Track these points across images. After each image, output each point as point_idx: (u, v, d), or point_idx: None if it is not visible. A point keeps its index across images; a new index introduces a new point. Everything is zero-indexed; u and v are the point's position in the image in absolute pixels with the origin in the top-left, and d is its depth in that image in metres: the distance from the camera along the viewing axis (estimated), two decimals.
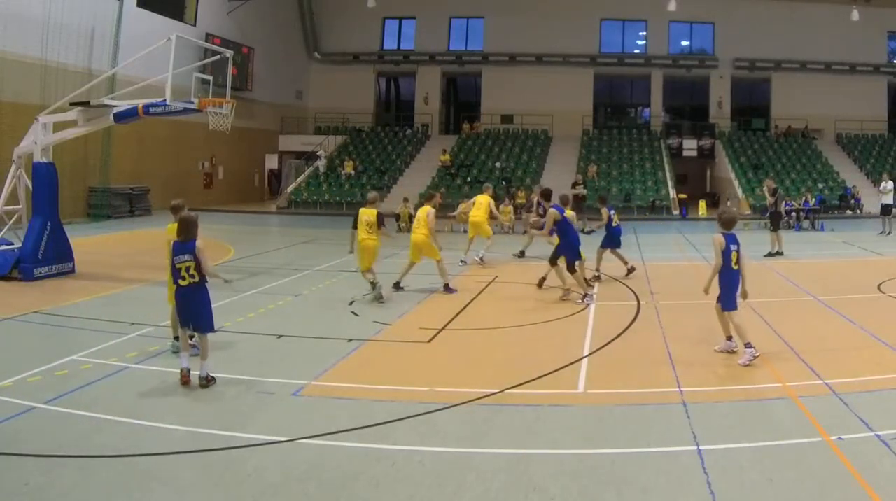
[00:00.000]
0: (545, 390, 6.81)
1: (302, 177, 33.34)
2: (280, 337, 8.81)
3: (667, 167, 33.18)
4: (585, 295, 11.03)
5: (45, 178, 13.11)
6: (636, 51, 39.00)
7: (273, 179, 38.28)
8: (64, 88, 18.80)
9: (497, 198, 19.53)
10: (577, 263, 11.24)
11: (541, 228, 12.82)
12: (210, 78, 15.39)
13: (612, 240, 13.22)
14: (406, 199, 24.33)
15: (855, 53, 35.64)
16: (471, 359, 8.03)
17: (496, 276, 13.30)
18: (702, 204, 29.73)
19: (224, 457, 5.29)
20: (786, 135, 36.15)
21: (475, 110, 39.98)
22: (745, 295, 7.79)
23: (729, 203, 30.29)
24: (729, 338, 7.86)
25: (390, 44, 40.19)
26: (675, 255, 17.52)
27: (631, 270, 13.17)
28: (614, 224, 13.24)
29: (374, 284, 10.98)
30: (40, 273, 12.56)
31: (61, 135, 13.51)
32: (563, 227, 11.36)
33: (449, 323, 9.60)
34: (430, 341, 8.70)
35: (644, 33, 38.67)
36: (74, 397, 6.46)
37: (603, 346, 8.35)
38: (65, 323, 9.46)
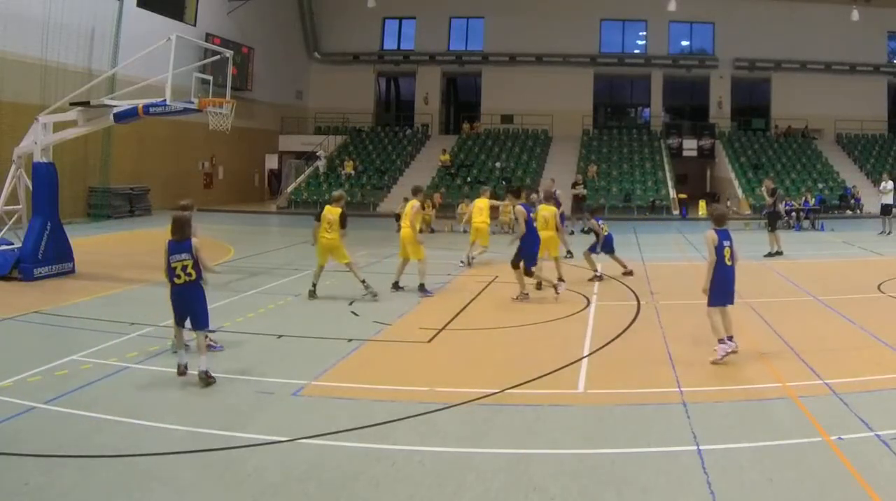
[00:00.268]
0: (545, 390, 6.81)
1: (302, 177, 33.34)
2: (280, 337, 8.81)
3: (667, 167, 33.18)
4: (522, 294, 11.09)
5: (45, 178, 13.11)
6: (636, 51, 38.99)
7: (273, 179, 38.27)
8: (64, 88, 18.80)
9: (497, 199, 19.56)
10: (534, 267, 11.21)
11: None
12: (210, 78, 15.40)
13: (606, 246, 13.27)
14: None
15: (855, 53, 35.62)
16: (471, 359, 8.03)
17: (496, 276, 13.29)
18: (702, 204, 29.72)
19: (224, 457, 5.29)
20: (786, 135, 36.15)
21: (475, 110, 39.98)
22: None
23: (729, 203, 30.38)
24: (729, 338, 7.85)
25: (390, 44, 40.18)
26: (675, 255, 17.53)
27: (598, 277, 12.98)
28: (605, 232, 13.35)
29: (315, 286, 11.17)
30: (40, 273, 12.56)
31: (61, 135, 13.51)
32: (529, 227, 11.29)
33: (449, 323, 9.60)
34: (430, 341, 8.70)
35: (644, 33, 38.66)
36: (74, 397, 6.46)
37: (603, 346, 8.35)
38: (65, 323, 9.46)
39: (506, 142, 36.23)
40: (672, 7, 33.09)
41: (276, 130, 37.27)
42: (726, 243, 7.74)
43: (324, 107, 38.92)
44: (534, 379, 7.04)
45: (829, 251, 17.99)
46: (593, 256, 13.27)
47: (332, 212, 11.12)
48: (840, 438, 5.43)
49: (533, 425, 5.96)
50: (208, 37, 28.67)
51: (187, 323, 7.16)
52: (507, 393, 6.66)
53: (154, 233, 7.67)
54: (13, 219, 13.55)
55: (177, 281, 7.05)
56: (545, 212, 12.38)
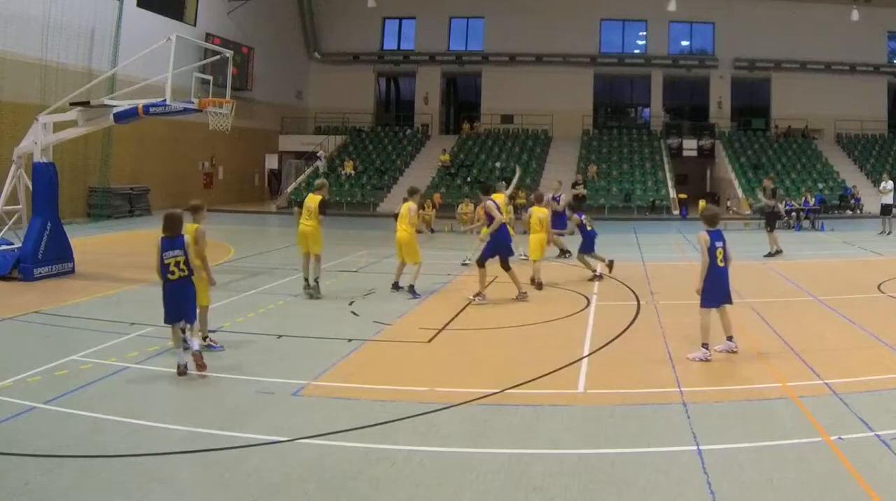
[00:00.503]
0: (545, 390, 6.80)
1: (302, 177, 33.34)
2: (280, 337, 8.81)
3: (667, 167, 33.19)
4: (479, 295, 11.00)
5: (45, 178, 13.10)
6: (636, 51, 39.00)
7: (273, 179, 38.27)
8: (64, 88, 18.82)
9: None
10: (508, 263, 11.20)
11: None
12: (210, 78, 15.41)
13: (586, 244, 13.22)
14: (406, 199, 24.34)
15: (855, 53, 35.62)
16: (471, 359, 8.03)
17: (496, 276, 13.27)
18: (701, 204, 29.68)
19: (224, 457, 5.29)
20: (786, 135, 36.15)
21: (475, 110, 39.98)
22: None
23: (729, 203, 30.41)
24: (729, 338, 7.86)
25: (390, 44, 40.18)
26: (675, 255, 17.53)
27: (598, 277, 12.95)
28: (588, 228, 13.29)
29: (307, 279, 11.25)
30: (40, 273, 12.56)
31: (61, 136, 13.51)
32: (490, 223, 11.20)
33: (449, 323, 9.60)
34: (430, 341, 8.69)
35: (644, 33, 38.66)
36: (74, 397, 6.46)
37: (603, 346, 8.35)
38: (65, 323, 9.45)
39: (506, 142, 36.23)
40: (672, 7, 33.10)
41: (276, 130, 37.27)
42: (718, 244, 7.74)
43: (324, 107, 38.92)
44: (534, 379, 7.04)
45: (829, 251, 17.99)
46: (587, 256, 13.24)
47: (312, 200, 11.34)
48: (840, 438, 5.43)
49: (533, 425, 5.96)
50: (208, 37, 28.67)
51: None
52: (507, 393, 6.65)
53: (154, 233, 7.70)
54: (13, 219, 13.55)
55: (171, 277, 7.22)
56: (539, 213, 12.51)
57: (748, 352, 7.94)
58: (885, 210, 21.12)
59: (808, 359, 7.57)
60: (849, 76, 36.22)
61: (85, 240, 17.18)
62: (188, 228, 7.92)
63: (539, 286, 12.16)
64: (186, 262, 7.27)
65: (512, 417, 6.12)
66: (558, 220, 17.36)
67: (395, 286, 11.65)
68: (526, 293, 11.25)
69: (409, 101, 41.44)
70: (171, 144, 28.53)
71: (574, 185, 22.87)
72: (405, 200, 11.89)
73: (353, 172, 32.97)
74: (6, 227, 13.48)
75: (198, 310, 8.02)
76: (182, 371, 7.08)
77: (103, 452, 5.29)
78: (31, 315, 9.80)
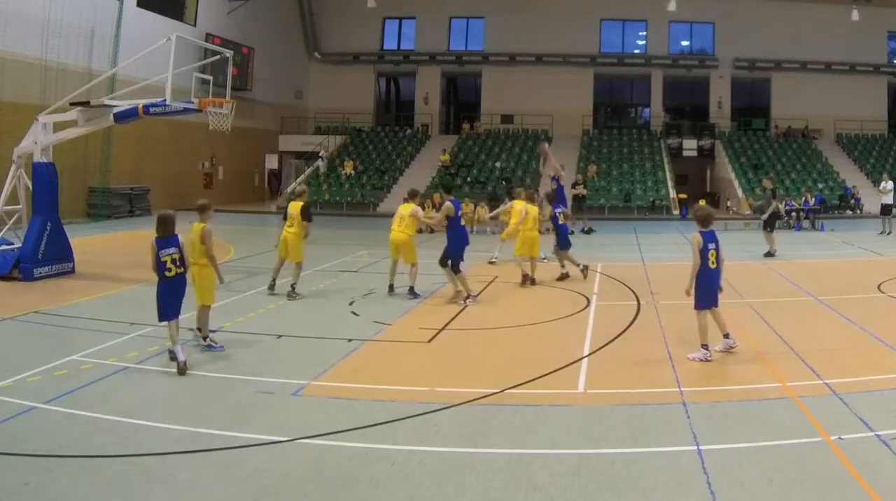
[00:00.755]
0: (545, 390, 6.81)
1: (302, 177, 33.36)
2: (280, 337, 8.81)
3: (667, 167, 33.18)
4: (468, 297, 10.85)
5: (45, 178, 13.10)
6: (636, 51, 38.99)
7: (273, 179, 38.27)
8: (64, 88, 18.82)
9: (496, 199, 19.52)
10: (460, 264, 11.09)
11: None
12: (210, 78, 15.40)
13: (562, 240, 13.16)
14: (406, 200, 24.34)
15: (855, 53, 35.62)
16: (471, 359, 8.03)
17: (496, 276, 13.30)
18: (701, 203, 29.71)
19: (224, 457, 5.29)
20: (786, 135, 36.14)
21: (475, 110, 39.97)
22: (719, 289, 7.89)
23: (729, 203, 30.41)
24: (726, 336, 7.87)
25: (390, 44, 40.18)
26: (675, 255, 17.51)
27: (564, 276, 12.86)
28: (561, 222, 13.17)
29: (275, 281, 11.41)
30: (40, 273, 12.56)
31: (61, 136, 13.50)
32: (453, 224, 11.09)
33: (449, 323, 9.60)
34: (430, 341, 8.70)
35: (644, 33, 38.65)
36: (74, 397, 6.46)
37: (603, 346, 8.35)
38: (65, 323, 9.45)
39: (506, 142, 36.22)
40: (672, 7, 33.08)
41: (276, 130, 37.26)
42: (711, 246, 7.73)
43: (324, 107, 38.91)
44: (534, 379, 7.04)
45: (829, 251, 17.98)
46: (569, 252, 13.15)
47: (293, 207, 11.43)
48: (840, 438, 5.43)
49: (533, 425, 5.96)
50: (208, 37, 28.66)
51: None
52: (507, 393, 6.66)
53: (154, 234, 7.77)
54: (13, 219, 13.55)
55: (168, 274, 7.45)
56: (532, 211, 12.62)
57: (748, 352, 7.94)
58: (885, 210, 21.12)
59: (808, 359, 7.57)
60: (849, 76, 36.22)
61: (85, 240, 17.19)
62: (195, 228, 8.07)
63: (532, 282, 12.23)
64: (182, 259, 7.52)
65: (512, 417, 6.12)
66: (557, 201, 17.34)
67: (392, 289, 11.57)
68: (468, 297, 10.93)
69: (409, 101, 41.43)
70: (171, 144, 28.52)
71: (574, 185, 22.84)
72: (406, 201, 11.80)
73: (353, 172, 32.96)
74: (6, 227, 13.48)
75: (200, 310, 8.11)
76: (182, 369, 7.15)
77: (103, 452, 5.29)
78: (31, 315, 9.80)
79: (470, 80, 40.92)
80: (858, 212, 28.08)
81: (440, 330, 9.15)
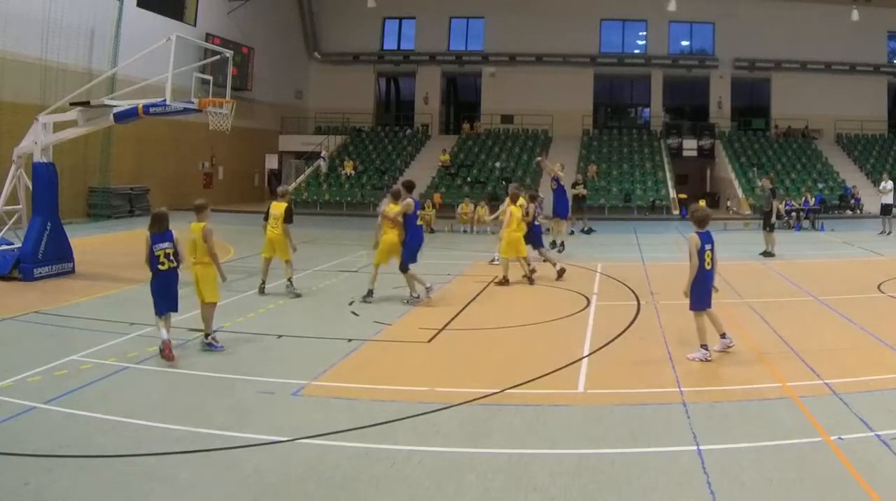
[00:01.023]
0: (545, 390, 6.81)
1: (302, 177, 33.30)
2: (280, 337, 8.81)
3: (667, 167, 33.17)
4: (413, 295, 10.73)
5: (45, 178, 13.10)
6: (636, 51, 38.98)
7: (273, 179, 38.24)
8: (64, 88, 18.80)
9: (496, 199, 19.51)
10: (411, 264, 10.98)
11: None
12: (210, 78, 15.40)
13: (535, 238, 13.13)
14: (392, 198, 24.32)
15: (855, 53, 35.60)
16: (471, 359, 8.03)
17: (496, 276, 13.28)
18: (701, 203, 29.69)
19: (224, 457, 5.29)
20: (786, 135, 36.14)
21: (475, 110, 39.97)
22: (714, 289, 7.91)
23: (729, 203, 30.41)
24: (723, 336, 7.86)
25: (390, 44, 40.17)
26: (675, 255, 17.49)
27: (531, 272, 12.78)
28: (537, 222, 13.21)
29: (265, 282, 11.42)
30: (40, 273, 12.56)
31: (61, 136, 13.50)
32: (409, 223, 10.92)
33: (449, 323, 9.60)
34: (430, 341, 8.70)
35: (644, 33, 38.64)
36: (74, 397, 6.46)
37: (603, 346, 8.35)
38: (65, 323, 9.45)
39: (506, 142, 36.21)
40: (672, 7, 33.06)
41: (276, 130, 37.24)
42: (708, 247, 7.74)
43: (324, 107, 38.90)
44: (534, 379, 7.04)
45: (829, 251, 17.98)
46: (546, 250, 13.15)
47: (277, 208, 11.53)
48: (840, 438, 5.43)
49: (533, 425, 5.96)
50: (208, 37, 28.65)
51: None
52: (507, 393, 6.65)
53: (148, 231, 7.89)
54: (13, 219, 13.55)
55: (161, 267, 7.72)
56: (515, 212, 12.62)
57: (748, 352, 7.94)
58: (885, 210, 21.13)
59: (808, 359, 7.57)
60: (849, 76, 36.20)
61: (85, 240, 17.19)
62: (195, 227, 8.11)
63: (505, 282, 12.28)
64: (176, 254, 7.80)
65: (512, 417, 6.12)
66: (558, 203, 17.33)
67: (370, 294, 10.99)
68: (418, 297, 10.87)
69: (409, 101, 41.42)
70: (171, 144, 28.51)
71: (574, 185, 22.84)
72: (393, 198, 11.35)
73: (353, 172, 32.96)
74: (6, 227, 13.48)
75: (205, 308, 8.19)
76: (168, 350, 7.58)
77: (103, 452, 5.29)
78: (31, 315, 9.80)
79: (470, 79, 40.91)
80: (858, 212, 28.08)
81: (440, 330, 9.15)
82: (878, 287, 11.92)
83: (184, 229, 8.27)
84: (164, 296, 7.77)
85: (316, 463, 5.18)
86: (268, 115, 35.90)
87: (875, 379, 6.88)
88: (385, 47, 40.02)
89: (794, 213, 24.06)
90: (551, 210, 17.98)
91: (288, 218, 11.45)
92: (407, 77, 41.22)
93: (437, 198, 27.37)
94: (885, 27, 36.12)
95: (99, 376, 7.07)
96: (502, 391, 6.70)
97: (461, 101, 42.92)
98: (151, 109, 12.69)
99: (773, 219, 16.53)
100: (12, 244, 13.11)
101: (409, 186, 11.74)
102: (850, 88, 35.86)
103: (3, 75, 20.82)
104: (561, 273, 12.96)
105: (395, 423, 5.91)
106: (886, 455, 5.15)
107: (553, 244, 16.06)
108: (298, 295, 11.26)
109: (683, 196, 30.24)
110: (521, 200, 13.11)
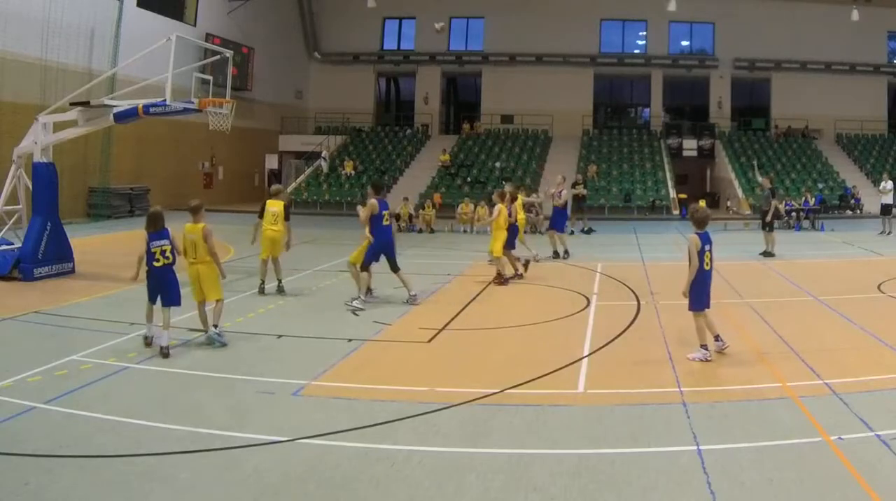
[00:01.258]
0: (545, 390, 6.81)
1: (302, 177, 33.33)
2: (280, 337, 8.81)
3: (667, 167, 33.18)
4: (357, 298, 10.58)
5: (45, 178, 13.11)
6: (636, 51, 38.98)
7: (273, 179, 38.21)
8: (64, 88, 18.81)
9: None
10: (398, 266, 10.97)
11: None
12: (210, 78, 15.40)
13: (509, 239, 13.14)
14: (406, 199, 24.43)
15: (855, 53, 35.61)
16: (471, 359, 8.03)
17: (496, 276, 13.28)
18: (701, 203, 29.67)
19: (224, 457, 5.29)
20: (786, 135, 36.14)
21: (475, 110, 39.97)
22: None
23: (729, 203, 30.41)
24: (716, 338, 7.86)
25: (390, 44, 40.17)
26: (675, 255, 17.48)
27: (518, 274, 13.03)
28: (512, 221, 13.21)
29: (264, 282, 11.44)
30: (40, 273, 12.56)
31: (61, 136, 13.50)
32: (374, 223, 10.79)
33: (449, 323, 9.60)
34: (430, 341, 8.70)
35: (644, 33, 38.65)
36: (74, 397, 6.46)
37: (603, 346, 8.35)
38: (65, 323, 9.45)
39: (506, 142, 36.22)
40: (672, 7, 33.07)
41: (276, 130, 37.25)
42: (707, 247, 7.74)
43: (324, 107, 38.91)
44: (534, 379, 7.04)
45: (829, 251, 17.97)
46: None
47: (275, 205, 11.61)
48: (840, 438, 5.42)
49: (533, 425, 5.96)
50: (208, 37, 28.66)
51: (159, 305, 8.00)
52: (507, 393, 6.65)
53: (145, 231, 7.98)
54: (13, 219, 13.55)
55: (156, 264, 7.96)
56: (503, 212, 12.73)
57: (748, 352, 7.94)
58: (885, 210, 21.12)
59: (808, 359, 7.57)
60: (849, 76, 36.20)
61: (85, 240, 17.19)
62: (195, 228, 8.17)
63: (504, 282, 12.39)
64: (172, 251, 8.04)
65: (512, 417, 6.12)
66: (559, 218, 17.33)
67: (368, 292, 11.00)
68: (416, 295, 10.84)
69: (409, 101, 41.43)
70: (171, 144, 28.52)
71: (574, 185, 22.85)
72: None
73: (353, 172, 32.96)
74: (6, 227, 13.48)
75: (213, 305, 8.38)
76: (149, 343, 7.99)
77: (103, 452, 5.29)
78: (31, 315, 9.80)
79: (470, 79, 40.91)
80: (858, 212, 28.08)
81: (440, 330, 9.15)
82: (878, 287, 11.92)
83: (178, 229, 8.30)
84: (156, 289, 8.02)
85: (316, 463, 5.18)
86: (268, 115, 35.91)
87: (875, 379, 6.88)
88: (385, 47, 40.02)
89: (794, 213, 24.06)
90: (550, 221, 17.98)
91: (287, 215, 11.43)
92: (407, 77, 41.22)
93: (437, 198, 27.36)
94: (885, 27, 36.12)
95: (99, 376, 7.07)
96: (502, 391, 6.70)
97: (461, 101, 42.93)
98: (151, 109, 12.70)
99: (769, 217, 16.50)
100: (12, 244, 13.11)
101: (377, 187, 11.56)
102: (850, 88, 35.87)
103: (3, 75, 20.83)
104: (521, 275, 13.15)
105: (395, 423, 5.91)
106: (886, 455, 5.15)
107: (556, 255, 16.10)
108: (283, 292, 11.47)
109: (683, 196, 30.24)
110: (521, 198, 13.22)
